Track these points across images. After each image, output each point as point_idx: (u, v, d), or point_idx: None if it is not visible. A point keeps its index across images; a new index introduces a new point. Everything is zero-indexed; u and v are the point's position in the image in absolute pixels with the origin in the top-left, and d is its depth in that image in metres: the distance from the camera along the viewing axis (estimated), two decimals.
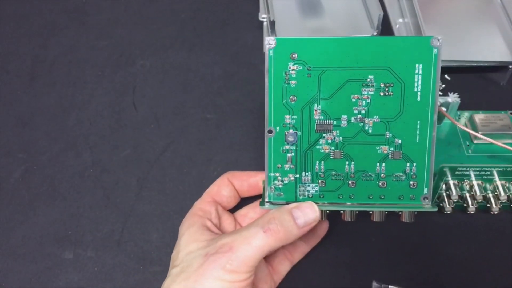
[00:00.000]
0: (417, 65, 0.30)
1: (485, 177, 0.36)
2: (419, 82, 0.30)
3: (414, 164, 0.31)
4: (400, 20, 0.50)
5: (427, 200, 0.31)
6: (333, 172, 0.32)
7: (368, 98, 0.31)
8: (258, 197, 0.37)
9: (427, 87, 0.30)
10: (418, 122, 0.31)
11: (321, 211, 0.31)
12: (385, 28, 0.49)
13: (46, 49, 0.51)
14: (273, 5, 0.48)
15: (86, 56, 0.50)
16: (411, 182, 0.31)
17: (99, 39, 0.51)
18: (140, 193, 0.40)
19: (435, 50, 0.30)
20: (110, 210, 0.40)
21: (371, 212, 0.32)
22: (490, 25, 0.48)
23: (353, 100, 0.31)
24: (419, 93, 0.30)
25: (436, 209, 0.31)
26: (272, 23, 0.45)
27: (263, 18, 0.49)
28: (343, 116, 0.31)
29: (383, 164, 0.31)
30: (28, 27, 0.53)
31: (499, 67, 0.46)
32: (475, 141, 0.37)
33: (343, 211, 0.32)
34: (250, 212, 0.36)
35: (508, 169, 0.36)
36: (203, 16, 0.53)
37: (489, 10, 0.49)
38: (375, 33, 0.47)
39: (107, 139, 0.44)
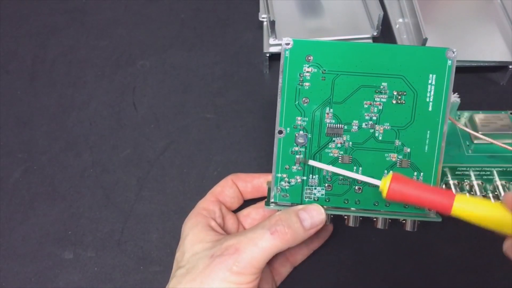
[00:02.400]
0: (430, 75, 0.30)
1: (485, 177, 0.36)
2: (432, 93, 0.30)
3: (422, 174, 0.31)
4: (400, 20, 0.50)
5: (432, 210, 0.31)
6: (341, 177, 0.32)
7: (380, 105, 0.31)
8: (261, 199, 0.37)
9: (439, 98, 0.30)
10: (428, 132, 0.31)
11: (326, 214, 0.31)
12: (385, 28, 0.49)
13: (46, 49, 0.51)
14: (273, 5, 0.48)
15: (86, 56, 0.50)
16: None
17: (99, 39, 0.51)
18: (140, 193, 0.40)
19: (449, 62, 0.30)
20: (110, 210, 0.40)
21: (374, 219, 0.32)
22: (490, 25, 0.48)
23: (365, 106, 0.31)
24: (431, 103, 0.30)
25: (440, 219, 0.31)
26: (272, 23, 0.45)
27: (263, 18, 0.49)
28: (354, 121, 0.31)
29: (391, 172, 0.31)
30: (28, 27, 0.53)
31: (499, 67, 0.46)
32: (475, 141, 0.37)
33: (347, 216, 0.32)
34: (252, 212, 0.36)
35: (508, 169, 0.36)
36: (203, 16, 0.53)
37: (489, 10, 0.49)
38: (375, 33, 0.47)
39: (107, 139, 0.44)
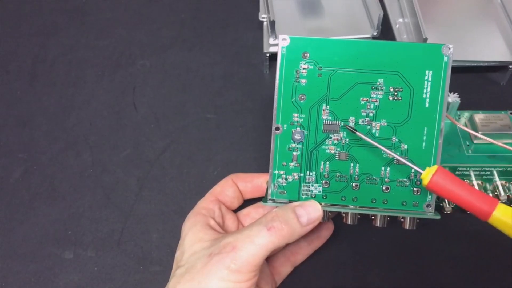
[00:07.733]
0: (427, 71, 0.30)
1: (485, 177, 0.36)
2: (428, 89, 0.30)
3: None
4: (400, 20, 0.50)
5: (430, 208, 0.31)
6: (338, 174, 0.31)
7: (376, 101, 0.31)
8: (261, 199, 0.37)
9: (436, 94, 0.30)
10: (425, 128, 0.30)
11: (324, 212, 0.31)
12: (385, 28, 0.49)
13: (46, 49, 0.51)
14: (273, 5, 0.48)
15: (86, 56, 0.50)
16: (415, 189, 0.31)
17: (99, 39, 0.51)
18: (140, 193, 0.40)
19: (445, 58, 0.30)
20: (110, 210, 0.40)
21: (373, 217, 0.32)
22: (490, 25, 0.48)
23: (362, 102, 0.31)
24: (427, 100, 0.30)
25: (439, 217, 0.31)
26: (272, 23, 0.45)
27: (263, 18, 0.49)
28: (350, 117, 0.31)
29: (388, 169, 0.31)
30: (28, 27, 0.53)
31: (499, 67, 0.46)
32: (475, 141, 0.37)
33: (345, 214, 0.32)
34: (252, 212, 0.36)
35: (508, 169, 0.36)
36: (203, 16, 0.53)
37: (489, 10, 0.49)
38: (375, 33, 0.47)
39: (107, 139, 0.44)
